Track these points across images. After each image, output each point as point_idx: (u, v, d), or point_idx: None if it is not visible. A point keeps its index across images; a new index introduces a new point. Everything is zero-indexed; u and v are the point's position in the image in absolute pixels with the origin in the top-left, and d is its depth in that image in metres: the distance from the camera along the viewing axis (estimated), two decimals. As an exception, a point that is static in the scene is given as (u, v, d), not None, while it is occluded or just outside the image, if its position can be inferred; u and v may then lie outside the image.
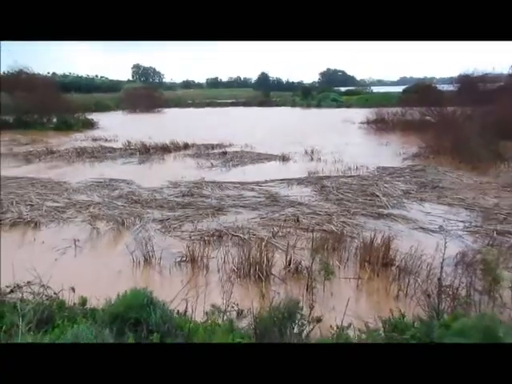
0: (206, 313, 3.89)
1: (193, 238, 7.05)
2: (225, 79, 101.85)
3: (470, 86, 25.30)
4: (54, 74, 66.47)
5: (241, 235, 7.01)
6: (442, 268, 4.47)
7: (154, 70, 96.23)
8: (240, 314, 4.62)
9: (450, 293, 4.91)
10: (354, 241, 6.72)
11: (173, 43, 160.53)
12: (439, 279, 4.31)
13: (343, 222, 7.67)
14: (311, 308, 3.67)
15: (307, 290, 5.24)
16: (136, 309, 3.12)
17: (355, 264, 6.09)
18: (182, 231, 7.39)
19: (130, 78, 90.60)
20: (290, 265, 5.85)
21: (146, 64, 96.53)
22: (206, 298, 4.83)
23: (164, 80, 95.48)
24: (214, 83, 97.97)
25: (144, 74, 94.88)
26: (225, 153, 15.74)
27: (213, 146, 17.33)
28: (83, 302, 3.95)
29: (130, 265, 6.07)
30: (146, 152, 16.03)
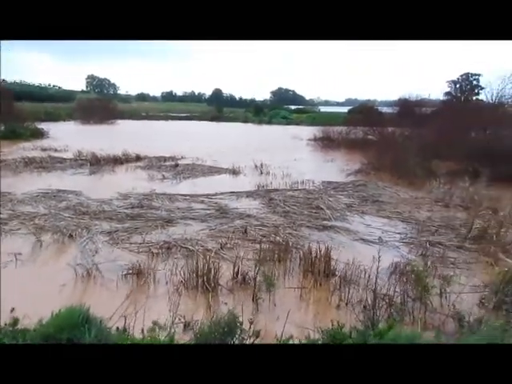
0: (146, 329, 3.74)
1: (141, 250, 6.86)
2: (179, 93, 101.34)
3: (408, 110, 26.68)
4: (3, 81, 63.26)
5: (189, 247, 6.90)
6: (376, 280, 4.60)
7: (109, 81, 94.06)
8: (187, 326, 4.52)
9: (387, 300, 5.06)
10: (299, 252, 6.78)
11: (130, 56, 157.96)
12: (374, 290, 4.42)
13: (289, 233, 7.74)
14: (251, 323, 3.63)
15: (253, 300, 5.22)
16: (69, 328, 2.90)
17: (299, 274, 6.14)
18: (131, 243, 7.17)
19: (84, 89, 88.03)
20: (237, 276, 5.81)
21: (101, 75, 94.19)
22: (152, 312, 4.69)
23: (119, 92, 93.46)
24: (169, 97, 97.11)
25: (99, 85, 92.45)
26: (176, 165, 15.54)
27: (165, 159, 17.06)
28: (14, 322, 3.57)
29: (74, 279, 5.78)
30: (96, 163, 15.52)
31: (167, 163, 16.15)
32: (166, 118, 50.02)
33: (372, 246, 7.37)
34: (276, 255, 6.60)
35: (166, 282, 5.75)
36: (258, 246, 6.73)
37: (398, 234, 8.07)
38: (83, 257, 6.41)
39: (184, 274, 5.77)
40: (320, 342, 3.29)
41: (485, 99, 25.66)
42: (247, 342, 3.30)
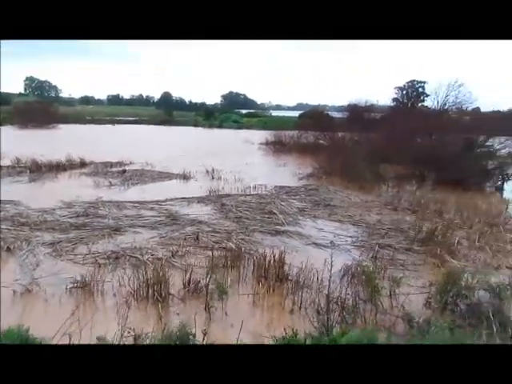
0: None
1: (87, 261, 6.62)
2: (127, 96, 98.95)
3: (358, 115, 27.63)
4: None
5: (139, 256, 6.75)
6: (329, 284, 4.70)
7: (50, 83, 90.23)
8: (137, 339, 4.40)
9: (339, 303, 5.18)
10: (252, 257, 6.81)
11: (75, 57, 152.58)
12: (327, 295, 4.51)
13: (242, 239, 7.75)
14: (204, 334, 3.60)
15: (205, 309, 5.18)
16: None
17: (253, 280, 6.17)
18: (76, 254, 6.90)
19: (22, 92, 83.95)
20: (189, 284, 5.74)
21: (41, 77, 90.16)
22: (100, 326, 4.53)
23: (61, 95, 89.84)
24: (115, 100, 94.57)
25: (38, 88, 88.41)
26: (124, 171, 15.18)
27: (112, 164, 16.61)
28: None
29: (11, 296, 5.46)
30: (37, 170, 14.84)
31: (114, 169, 15.74)
32: (113, 121, 48.69)
33: (324, 249, 7.53)
34: (229, 262, 6.60)
35: (114, 294, 5.59)
36: (210, 252, 6.68)
37: (350, 237, 8.31)
38: (22, 271, 6.09)
39: (133, 285, 5.62)
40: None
41: (430, 106, 27.09)
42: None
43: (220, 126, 45.61)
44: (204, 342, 3.37)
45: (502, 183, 15.41)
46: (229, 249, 7.03)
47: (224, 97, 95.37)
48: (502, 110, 25.17)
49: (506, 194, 14.24)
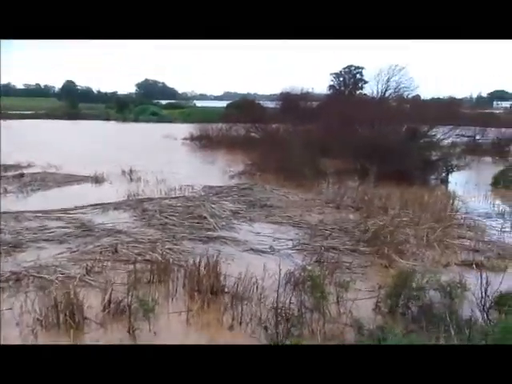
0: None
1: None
2: (20, 86, 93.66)
3: (292, 104, 28.26)
4: None
5: (45, 276, 6.42)
6: (278, 295, 4.75)
7: None
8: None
9: (283, 315, 5.26)
10: (182, 269, 6.74)
11: None
12: (276, 308, 4.56)
13: (169, 249, 7.64)
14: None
15: (129, 332, 5.04)
16: None
17: (184, 295, 6.11)
18: (-37, 277, 6.41)
19: None
20: (109, 305, 5.55)
21: None
22: None
23: None
24: (6, 91, 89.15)
25: None
26: (22, 175, 14.45)
27: (6, 168, 15.67)
28: None
29: None
30: None
31: (9, 173, 14.89)
32: (3, 116, 45.79)
33: (263, 255, 7.64)
34: (155, 276, 6.51)
35: (17, 324, 5.26)
36: (132, 266, 6.56)
37: (290, 240, 8.48)
38: None
39: (40, 311, 5.34)
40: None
41: (370, 93, 28.35)
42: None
43: (136, 120, 44.78)
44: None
45: (447, 175, 16.44)
46: (154, 261, 6.90)
47: (139, 85, 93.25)
48: (442, 97, 26.84)
49: (451, 187, 15.26)
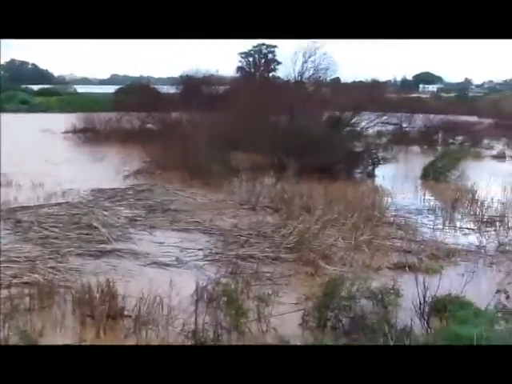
0: None
1: None
2: None
3: (195, 89, 28.23)
4: None
5: None
6: (196, 316, 4.72)
7: None
8: None
9: (197, 338, 5.27)
10: (69, 292, 6.53)
11: None
12: (194, 332, 4.55)
13: (53, 267, 7.40)
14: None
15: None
16: None
17: (75, 322, 5.95)
18: None
19: None
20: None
21: None
22: None
23: None
24: None
25: None
26: None
27: None
28: None
29: None
30: None
31: None
32: None
33: (169, 269, 7.60)
34: (36, 301, 6.29)
35: None
36: (6, 292, 6.33)
37: (201, 250, 8.50)
38: None
39: None
40: None
41: (284, 76, 28.93)
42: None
43: (1, 110, 42.37)
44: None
45: (373, 168, 17.19)
46: (34, 283, 6.64)
47: (3, 67, 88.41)
48: (365, 80, 28.05)
49: (378, 181, 16.05)
